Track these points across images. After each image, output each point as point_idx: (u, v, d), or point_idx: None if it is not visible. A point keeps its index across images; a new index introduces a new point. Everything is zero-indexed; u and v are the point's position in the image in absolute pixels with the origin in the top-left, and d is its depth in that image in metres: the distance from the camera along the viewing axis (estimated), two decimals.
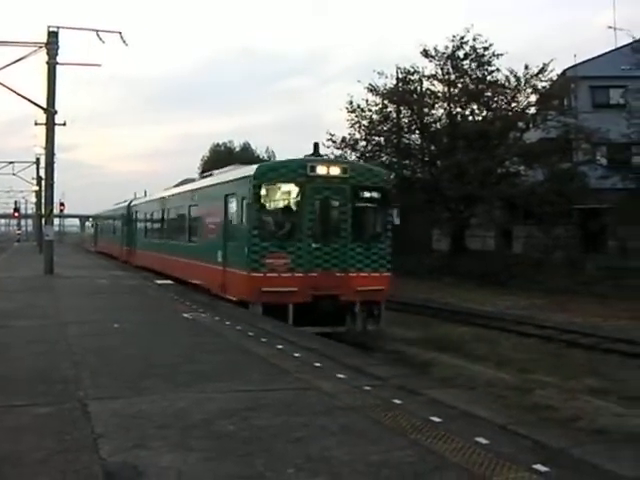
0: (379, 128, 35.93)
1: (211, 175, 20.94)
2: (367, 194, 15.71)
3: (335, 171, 15.01)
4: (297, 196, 14.85)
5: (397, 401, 6.12)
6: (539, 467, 4.37)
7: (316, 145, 16.34)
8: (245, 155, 59.24)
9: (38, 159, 50.35)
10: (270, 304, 13.83)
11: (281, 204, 15.39)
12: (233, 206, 16.17)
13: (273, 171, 15.26)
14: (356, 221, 15.12)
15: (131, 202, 35.09)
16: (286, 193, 15.25)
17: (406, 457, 4.61)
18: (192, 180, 25.61)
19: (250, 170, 15.43)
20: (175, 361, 8.08)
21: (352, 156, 35.21)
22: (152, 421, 5.44)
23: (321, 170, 14.82)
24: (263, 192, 14.72)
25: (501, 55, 33.44)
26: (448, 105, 35.04)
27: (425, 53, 34.58)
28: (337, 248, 14.74)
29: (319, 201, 14.78)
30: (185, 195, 22.25)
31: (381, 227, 15.86)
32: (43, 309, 13.35)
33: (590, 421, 8.77)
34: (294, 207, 15.01)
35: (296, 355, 8.45)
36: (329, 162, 17.04)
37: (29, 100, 23.23)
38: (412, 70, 35.21)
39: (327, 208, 14.95)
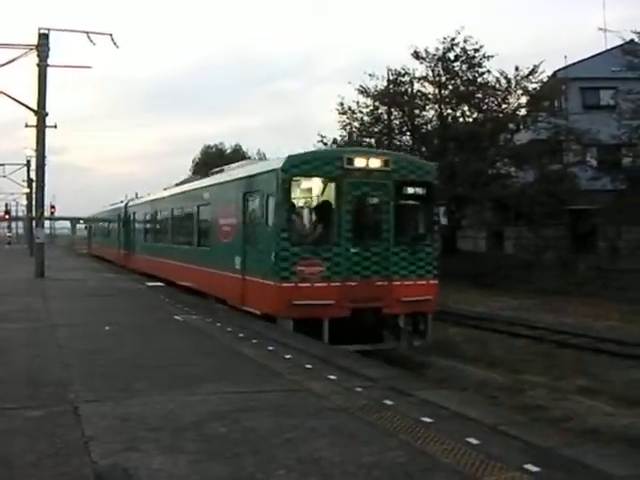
0: (370, 130, 35.88)
1: (222, 171, 18.77)
2: (411, 190, 14.02)
3: (375, 164, 13.12)
4: (332, 193, 13.15)
5: (388, 402, 6.12)
6: (530, 467, 4.38)
7: (350, 133, 14.59)
8: (236, 157, 59.15)
9: (29, 161, 50.27)
10: (302, 319, 12.08)
11: (313, 202, 13.80)
12: (255, 205, 14.16)
13: (304, 164, 13.12)
14: (399, 221, 13.32)
15: (128, 203, 33.37)
16: (319, 189, 13.74)
17: (397, 458, 4.62)
18: (192, 180, 24.61)
19: (277, 163, 13.38)
20: (166, 363, 8.07)
21: None
22: (143, 423, 5.42)
23: (359, 162, 12.99)
24: (293, 188, 13.13)
25: (491, 57, 33.66)
26: (439, 107, 35.13)
27: (416, 55, 34.71)
28: (378, 252, 12.96)
29: (357, 198, 13.00)
30: (193, 194, 20.05)
31: (426, 227, 14.17)
32: (34, 312, 13.28)
33: (581, 421, 8.83)
34: (328, 205, 13.22)
35: (287, 357, 8.44)
36: (368, 153, 15.03)
37: (20, 102, 23.18)
38: (403, 72, 35.33)
39: (366, 206, 13.34)
